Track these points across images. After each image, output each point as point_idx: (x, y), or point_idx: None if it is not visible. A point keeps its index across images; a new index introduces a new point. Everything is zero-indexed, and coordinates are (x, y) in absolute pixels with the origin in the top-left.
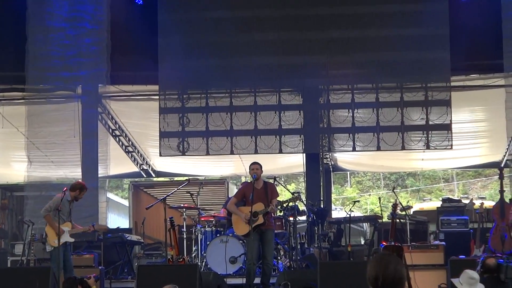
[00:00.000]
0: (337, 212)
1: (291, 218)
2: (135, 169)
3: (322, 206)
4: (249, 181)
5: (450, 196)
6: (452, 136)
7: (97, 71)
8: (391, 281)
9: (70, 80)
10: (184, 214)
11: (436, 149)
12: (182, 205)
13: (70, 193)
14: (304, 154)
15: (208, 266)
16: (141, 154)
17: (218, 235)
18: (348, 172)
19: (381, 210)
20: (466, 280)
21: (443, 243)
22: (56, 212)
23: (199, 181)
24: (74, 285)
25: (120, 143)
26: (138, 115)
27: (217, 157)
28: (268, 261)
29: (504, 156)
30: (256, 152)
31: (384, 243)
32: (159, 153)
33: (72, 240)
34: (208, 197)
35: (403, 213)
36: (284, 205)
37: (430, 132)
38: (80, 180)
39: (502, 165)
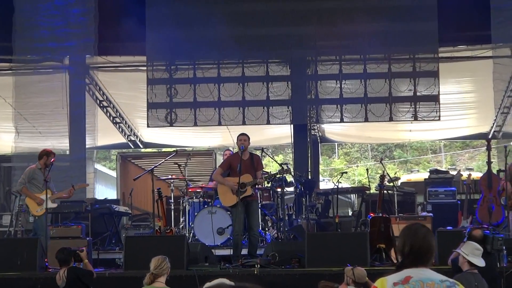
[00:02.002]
0: (325, 184)
1: (279, 189)
2: (122, 140)
3: (309, 177)
4: (234, 151)
5: (438, 167)
6: (440, 107)
7: (84, 41)
8: (417, 249)
9: (57, 50)
10: (172, 185)
11: (424, 120)
12: (169, 176)
13: (39, 162)
14: (292, 125)
15: (196, 237)
16: (128, 125)
17: (205, 206)
18: (336, 144)
19: (369, 182)
20: (472, 250)
21: (431, 214)
22: (31, 184)
23: (186, 152)
24: (68, 256)
25: (108, 114)
26: (126, 86)
27: (205, 128)
28: (254, 232)
29: (492, 127)
30: (244, 123)
31: (371, 214)
32: (147, 124)
33: (55, 205)
34: (196, 168)
35: (391, 184)
36: (277, 177)
37: (418, 103)
38: (45, 148)
39: (490, 136)
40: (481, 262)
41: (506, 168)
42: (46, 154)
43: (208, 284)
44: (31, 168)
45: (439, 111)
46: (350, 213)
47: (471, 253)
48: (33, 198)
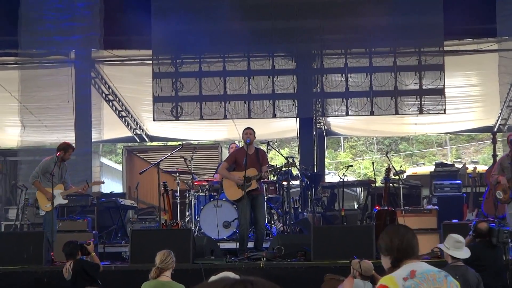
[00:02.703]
0: (331, 177)
1: (285, 183)
2: (128, 133)
3: (315, 170)
4: (240, 145)
5: (443, 161)
6: (445, 100)
7: (90, 35)
8: (409, 242)
9: (63, 44)
10: (178, 178)
11: (430, 113)
12: (175, 170)
13: (56, 155)
14: (298, 119)
15: (202, 230)
16: (134, 119)
17: (211, 199)
18: (342, 137)
19: (375, 175)
20: (453, 244)
21: (436, 207)
22: (44, 177)
23: (192, 145)
24: (74, 250)
25: (114, 107)
26: (131, 79)
27: (211, 121)
28: (260, 226)
29: (497, 120)
30: (249, 117)
31: (377, 207)
32: (153, 117)
33: (66, 201)
34: (202, 162)
35: (396, 177)
36: (283, 170)
37: (424, 96)
38: (64, 141)
39: (495, 130)
40: (463, 254)
41: (497, 161)
42: (64, 148)
43: (213, 277)
44: (46, 160)
45: (445, 105)
46: (356, 206)
47: (452, 246)
48: (44, 193)
